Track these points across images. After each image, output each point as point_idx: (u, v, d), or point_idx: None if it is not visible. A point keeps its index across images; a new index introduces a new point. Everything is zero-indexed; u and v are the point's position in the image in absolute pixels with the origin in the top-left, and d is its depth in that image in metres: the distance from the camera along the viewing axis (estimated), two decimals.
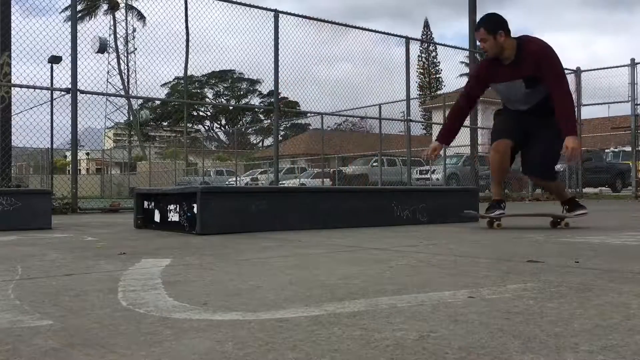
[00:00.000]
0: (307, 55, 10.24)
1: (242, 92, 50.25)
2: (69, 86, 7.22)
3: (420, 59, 53.32)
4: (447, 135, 4.37)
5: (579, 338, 1.12)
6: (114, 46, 38.89)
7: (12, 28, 7.83)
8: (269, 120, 34.89)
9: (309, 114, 17.53)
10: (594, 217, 5.98)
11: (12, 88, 7.82)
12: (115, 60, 39.39)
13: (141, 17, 37.93)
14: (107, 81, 36.25)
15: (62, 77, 9.67)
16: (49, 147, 15.59)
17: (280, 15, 9.03)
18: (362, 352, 1.04)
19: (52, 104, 9.44)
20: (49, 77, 11.45)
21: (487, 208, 4.28)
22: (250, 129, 45.25)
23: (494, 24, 3.95)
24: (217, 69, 29.74)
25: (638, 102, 12.86)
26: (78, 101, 7.22)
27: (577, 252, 2.57)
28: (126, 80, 39.41)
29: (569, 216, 4.41)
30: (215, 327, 1.23)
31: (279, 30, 8.98)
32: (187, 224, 3.80)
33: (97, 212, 7.72)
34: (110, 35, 38.25)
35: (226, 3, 9.02)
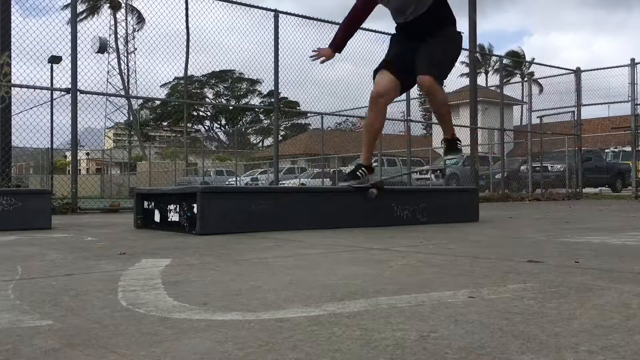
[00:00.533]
0: (307, 55, 10.22)
1: (242, 92, 50.27)
2: (69, 86, 7.21)
3: None
4: (341, 43, 4.25)
5: (579, 338, 1.12)
6: (114, 46, 38.90)
7: (12, 28, 7.83)
8: (269, 120, 34.90)
9: (309, 114, 17.53)
10: (594, 217, 5.97)
11: (12, 88, 7.82)
12: (115, 60, 39.40)
13: (141, 18, 37.97)
14: (107, 81, 36.26)
15: (62, 77, 9.66)
16: (49, 147, 15.60)
17: (280, 15, 9.03)
18: (362, 352, 1.04)
19: (52, 104, 9.45)
20: (49, 77, 11.47)
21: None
22: (250, 129, 45.26)
23: None
24: (217, 69, 29.77)
25: (638, 102, 12.86)
26: (78, 101, 7.22)
27: (577, 252, 2.57)
28: (126, 80, 39.41)
29: (437, 164, 4.36)
30: (215, 327, 1.23)
31: (279, 30, 8.98)
32: (187, 224, 3.80)
33: (97, 212, 7.72)
34: (110, 35, 38.27)
35: (226, 3, 9.02)
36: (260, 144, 48.07)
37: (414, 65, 4.06)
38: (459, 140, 4.53)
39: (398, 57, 4.21)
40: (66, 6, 8.06)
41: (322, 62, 4.20)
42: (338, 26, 4.37)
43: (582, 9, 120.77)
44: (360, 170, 4.28)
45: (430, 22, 4.06)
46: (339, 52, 4.24)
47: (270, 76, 9.11)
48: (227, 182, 25.60)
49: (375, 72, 4.25)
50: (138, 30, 38.00)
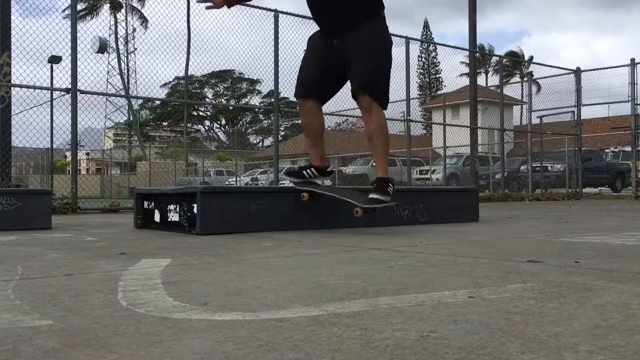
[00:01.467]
0: None
1: (242, 92, 50.30)
2: (69, 86, 7.22)
3: (420, 59, 53.44)
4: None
5: (579, 338, 1.12)
6: (114, 46, 38.92)
7: (12, 28, 7.83)
8: (269, 121, 34.90)
9: None
10: (594, 217, 5.97)
11: (12, 88, 7.82)
12: (116, 60, 39.42)
13: (144, 19, 37.99)
14: (107, 81, 36.29)
15: (62, 77, 9.65)
16: (49, 147, 15.61)
17: (280, 15, 9.03)
18: (362, 352, 1.04)
19: (52, 104, 9.45)
20: (49, 77, 11.46)
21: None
22: (250, 129, 45.29)
23: None
24: (217, 69, 29.82)
25: (638, 102, 12.87)
26: (78, 101, 7.22)
27: (577, 252, 2.57)
28: (126, 80, 39.44)
29: (365, 203, 3.68)
30: (215, 327, 1.23)
31: (279, 30, 8.98)
32: (187, 224, 3.80)
33: (97, 212, 7.72)
34: (110, 35, 38.30)
35: None
36: (260, 144, 48.10)
37: (339, 75, 3.87)
38: (392, 184, 3.73)
39: (315, 77, 3.99)
40: (67, 7, 8.06)
41: (208, 8, 3.95)
42: None
43: (581, 9, 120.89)
44: (307, 171, 4.10)
45: (341, 5, 3.75)
46: (228, 7, 4.05)
47: (270, 76, 9.11)
48: (227, 182, 25.61)
49: (296, 93, 4.06)
50: (143, 30, 38.07)
